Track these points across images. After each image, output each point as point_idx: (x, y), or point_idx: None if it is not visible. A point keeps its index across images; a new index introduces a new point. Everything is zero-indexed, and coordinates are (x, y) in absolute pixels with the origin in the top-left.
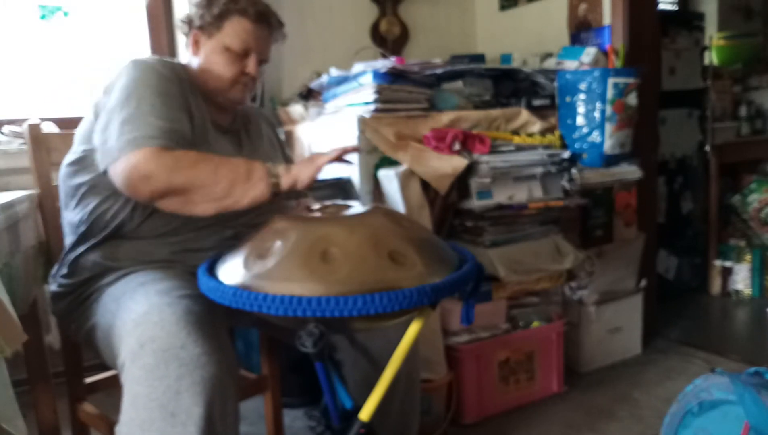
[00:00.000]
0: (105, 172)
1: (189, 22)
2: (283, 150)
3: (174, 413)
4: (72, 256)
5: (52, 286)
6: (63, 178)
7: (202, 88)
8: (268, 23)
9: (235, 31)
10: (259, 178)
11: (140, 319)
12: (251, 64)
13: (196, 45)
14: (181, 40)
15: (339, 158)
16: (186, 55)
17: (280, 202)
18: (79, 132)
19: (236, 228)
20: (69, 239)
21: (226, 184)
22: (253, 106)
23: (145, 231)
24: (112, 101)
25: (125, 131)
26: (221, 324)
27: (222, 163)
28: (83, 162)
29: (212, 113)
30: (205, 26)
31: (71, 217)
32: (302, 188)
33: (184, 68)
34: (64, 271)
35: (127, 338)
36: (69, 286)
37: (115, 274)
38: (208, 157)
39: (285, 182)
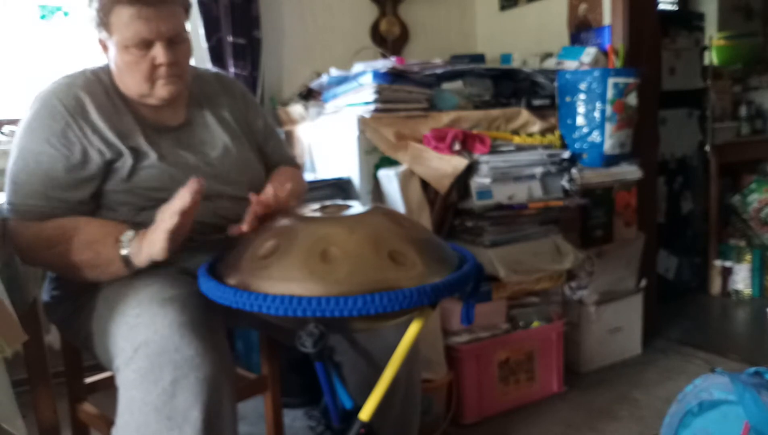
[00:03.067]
0: None
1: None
2: (263, 118)
3: (170, 416)
4: None
5: (45, 297)
6: None
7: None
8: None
9: (122, 23)
10: (106, 264)
11: (133, 323)
12: (159, 53)
13: (105, 50)
14: None
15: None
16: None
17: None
18: None
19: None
20: None
21: (85, 268)
22: (214, 80)
23: None
24: (13, 142)
25: (10, 190)
26: (216, 323)
27: (70, 250)
28: None
29: (153, 115)
30: (100, 28)
31: None
32: (163, 257)
33: (110, 75)
34: (54, 281)
35: (122, 343)
36: (60, 296)
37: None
38: (62, 238)
39: (140, 262)
